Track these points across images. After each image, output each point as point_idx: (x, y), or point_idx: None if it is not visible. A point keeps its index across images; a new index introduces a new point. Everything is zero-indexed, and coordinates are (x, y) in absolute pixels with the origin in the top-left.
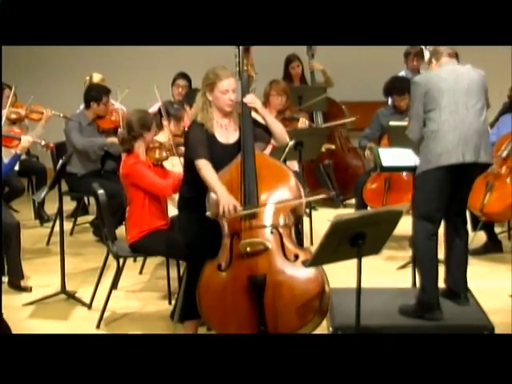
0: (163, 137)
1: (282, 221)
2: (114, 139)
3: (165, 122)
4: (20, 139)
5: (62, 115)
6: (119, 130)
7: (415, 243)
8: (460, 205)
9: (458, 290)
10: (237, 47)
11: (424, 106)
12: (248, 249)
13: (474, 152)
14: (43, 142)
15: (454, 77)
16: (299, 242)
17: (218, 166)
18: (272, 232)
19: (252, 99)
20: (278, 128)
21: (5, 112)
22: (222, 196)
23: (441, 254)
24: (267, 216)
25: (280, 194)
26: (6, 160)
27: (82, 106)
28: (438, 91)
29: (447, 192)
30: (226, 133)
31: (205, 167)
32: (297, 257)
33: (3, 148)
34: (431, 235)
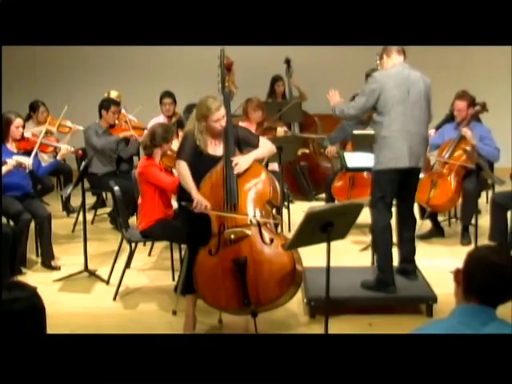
0: (176, 144)
1: (258, 212)
2: (125, 133)
3: (180, 133)
4: (56, 147)
5: (83, 128)
6: (132, 136)
7: (373, 230)
8: (408, 199)
9: (408, 268)
10: (219, 66)
11: (373, 103)
12: (232, 236)
13: (416, 158)
14: (73, 149)
15: (406, 87)
16: (275, 227)
17: (206, 173)
18: (251, 221)
19: (237, 164)
20: (266, 153)
21: (45, 126)
22: (195, 195)
23: (394, 239)
24: (247, 209)
25: (256, 187)
26: (44, 164)
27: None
28: (392, 98)
29: (396, 186)
30: (215, 147)
31: (182, 166)
32: (272, 240)
33: (40, 153)
34: (385, 223)
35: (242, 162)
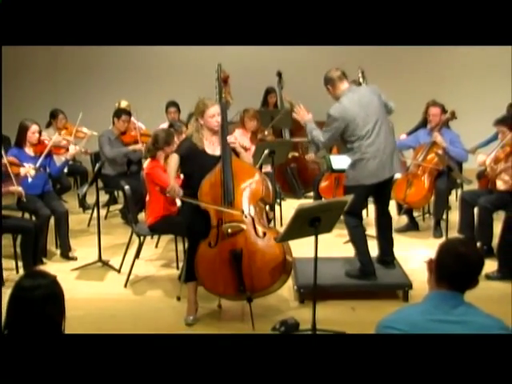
0: None
1: (252, 208)
2: (134, 147)
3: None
4: (68, 149)
5: (97, 134)
6: (139, 142)
7: (348, 231)
8: (384, 199)
9: (387, 259)
10: (216, 79)
11: (339, 135)
12: (229, 230)
13: (388, 170)
14: (83, 150)
15: (364, 111)
16: (268, 222)
17: (208, 171)
18: (246, 217)
19: (230, 139)
20: (245, 157)
21: (63, 133)
22: (171, 182)
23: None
24: (242, 205)
25: (250, 186)
26: (58, 164)
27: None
28: (357, 126)
29: (368, 197)
30: (213, 147)
31: (172, 158)
32: (265, 234)
33: (55, 155)
34: (357, 225)
35: (236, 143)
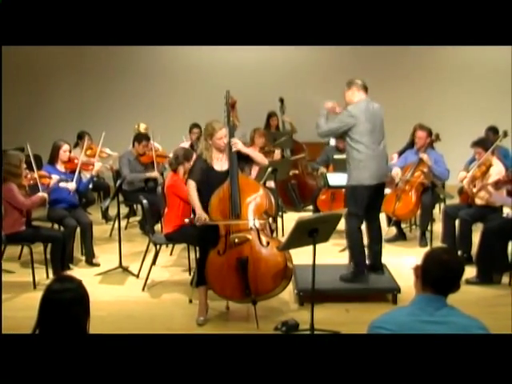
0: None
1: (257, 220)
2: (150, 174)
3: None
4: (94, 164)
5: (117, 154)
6: (155, 162)
7: (348, 233)
8: (375, 209)
9: (377, 265)
10: (225, 104)
11: (344, 131)
12: (236, 240)
13: (383, 176)
14: (108, 166)
15: (374, 119)
16: (271, 232)
17: (215, 185)
18: (251, 228)
19: (234, 141)
20: (257, 156)
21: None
22: (198, 211)
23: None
24: (248, 217)
25: (255, 200)
26: (84, 179)
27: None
28: (365, 129)
29: (366, 199)
30: (221, 163)
31: (190, 186)
32: (268, 243)
33: (82, 171)
34: (358, 227)
35: (239, 144)
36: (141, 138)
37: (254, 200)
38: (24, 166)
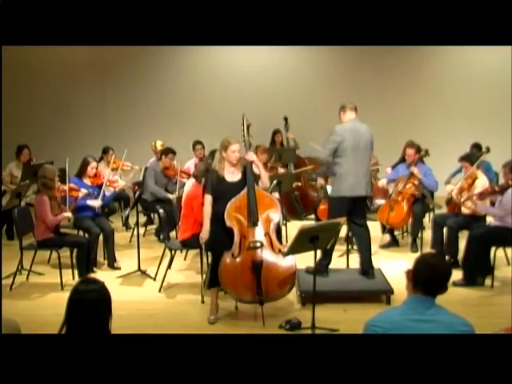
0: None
1: (270, 228)
2: (170, 196)
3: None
4: (118, 181)
5: (139, 168)
6: (178, 177)
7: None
8: (361, 215)
9: (366, 269)
10: (242, 125)
11: (334, 148)
12: (251, 245)
13: (363, 188)
14: (131, 185)
15: (358, 138)
16: (279, 239)
17: (227, 195)
18: (265, 235)
19: (251, 156)
20: (264, 177)
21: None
22: (203, 230)
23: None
24: (262, 225)
25: (270, 211)
26: (108, 194)
27: (151, 159)
28: (348, 146)
29: (346, 208)
30: (233, 175)
31: (207, 201)
32: (279, 250)
33: (108, 187)
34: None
35: (253, 156)
36: (168, 151)
37: (270, 210)
38: (57, 179)
